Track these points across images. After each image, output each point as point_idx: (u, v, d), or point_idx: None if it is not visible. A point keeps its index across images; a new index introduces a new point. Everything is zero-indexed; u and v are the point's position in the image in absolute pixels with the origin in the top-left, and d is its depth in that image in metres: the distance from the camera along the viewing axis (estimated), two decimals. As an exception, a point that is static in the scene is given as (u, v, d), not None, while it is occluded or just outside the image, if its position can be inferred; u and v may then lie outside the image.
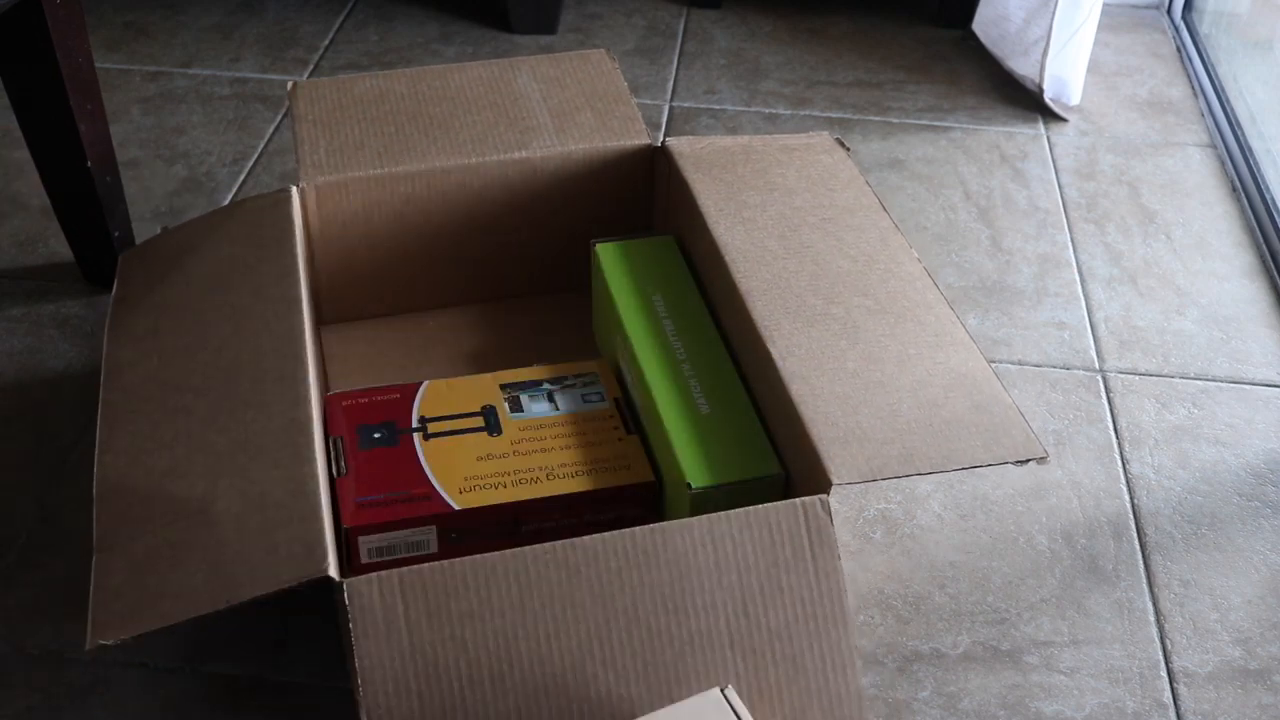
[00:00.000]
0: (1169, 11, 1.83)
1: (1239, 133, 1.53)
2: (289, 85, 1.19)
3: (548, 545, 0.80)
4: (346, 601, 0.76)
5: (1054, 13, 1.53)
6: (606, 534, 0.80)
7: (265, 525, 0.81)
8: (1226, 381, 1.22)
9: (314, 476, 0.83)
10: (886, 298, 0.97)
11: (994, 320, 1.27)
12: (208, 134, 1.51)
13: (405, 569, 0.78)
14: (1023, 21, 1.58)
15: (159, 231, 1.10)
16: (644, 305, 1.04)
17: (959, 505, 1.08)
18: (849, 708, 0.81)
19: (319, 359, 1.06)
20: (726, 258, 1.00)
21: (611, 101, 1.19)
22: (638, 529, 0.81)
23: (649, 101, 1.60)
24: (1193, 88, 1.67)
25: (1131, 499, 1.09)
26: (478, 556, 0.79)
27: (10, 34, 1.05)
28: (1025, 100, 1.62)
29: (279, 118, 1.54)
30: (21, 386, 1.14)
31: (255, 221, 1.07)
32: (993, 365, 1.21)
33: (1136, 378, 1.22)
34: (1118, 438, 1.15)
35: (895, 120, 1.59)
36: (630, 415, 1.00)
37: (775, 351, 0.92)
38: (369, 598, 0.77)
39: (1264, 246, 1.39)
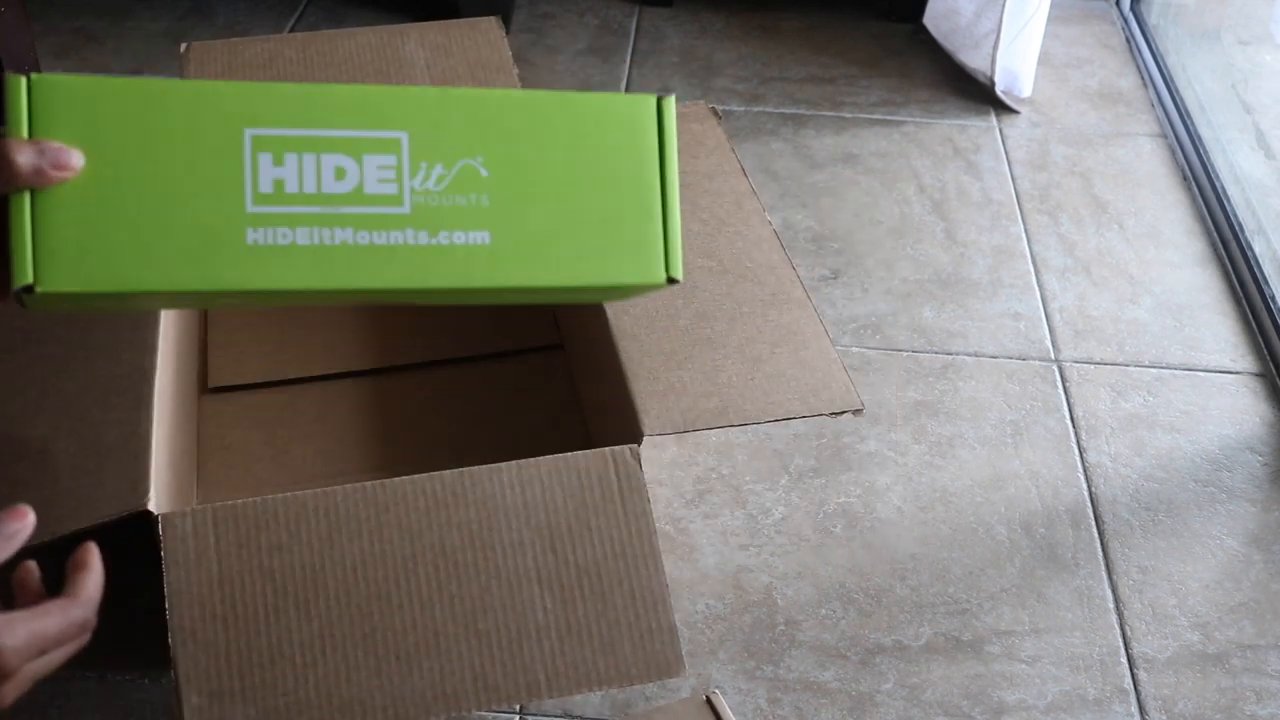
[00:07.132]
0: (1118, 3, 1.85)
1: (1188, 122, 1.55)
2: (182, 48, 1.17)
3: (358, 485, 0.83)
4: (160, 532, 0.81)
5: (1004, 6, 1.54)
6: (415, 476, 0.84)
7: (97, 465, 0.86)
8: (1180, 369, 1.23)
9: (148, 420, 0.87)
10: (730, 259, 1.01)
11: (950, 313, 1.28)
12: (158, 140, 1.49)
13: (218, 504, 0.83)
14: (973, 15, 1.59)
15: None
16: None
17: (918, 497, 1.08)
18: (659, 642, 0.84)
19: (191, 326, 1.11)
20: None
21: (494, 71, 1.20)
22: (446, 473, 0.84)
23: (603, 100, 1.60)
24: (1142, 78, 1.69)
25: (1089, 487, 1.10)
26: (289, 494, 0.83)
27: (-47, 42, 1.04)
28: (977, 93, 1.63)
29: (230, 122, 1.53)
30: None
31: None
32: (949, 358, 1.22)
33: (1092, 367, 1.23)
34: (1074, 427, 1.16)
35: (849, 115, 1.59)
36: None
37: (610, 310, 0.95)
38: (182, 529, 0.82)
39: (1215, 234, 1.40)
